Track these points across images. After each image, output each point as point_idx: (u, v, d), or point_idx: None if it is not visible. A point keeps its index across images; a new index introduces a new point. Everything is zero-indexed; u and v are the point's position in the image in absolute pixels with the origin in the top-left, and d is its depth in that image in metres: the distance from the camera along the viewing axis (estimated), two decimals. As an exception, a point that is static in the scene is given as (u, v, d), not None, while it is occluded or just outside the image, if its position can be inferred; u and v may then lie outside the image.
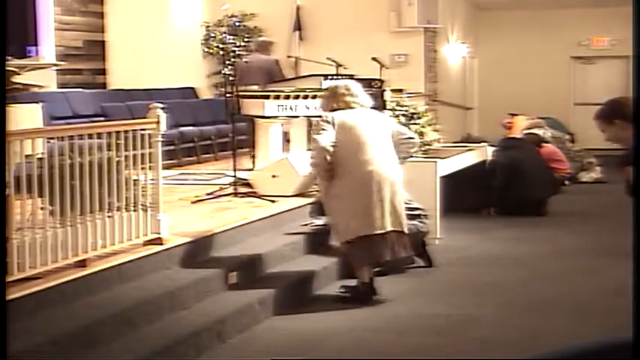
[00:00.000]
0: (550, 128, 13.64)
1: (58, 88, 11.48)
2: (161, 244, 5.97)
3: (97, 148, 5.45)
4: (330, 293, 6.64)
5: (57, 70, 11.20)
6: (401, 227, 6.44)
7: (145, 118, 5.99)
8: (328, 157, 6.29)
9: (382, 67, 10.94)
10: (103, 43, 12.60)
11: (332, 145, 6.29)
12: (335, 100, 6.54)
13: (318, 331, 5.71)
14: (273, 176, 8.55)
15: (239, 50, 14.67)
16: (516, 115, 13.30)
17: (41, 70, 8.65)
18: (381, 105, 10.56)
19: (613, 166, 4.32)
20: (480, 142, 11.01)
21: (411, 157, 6.86)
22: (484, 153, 10.75)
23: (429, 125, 9.25)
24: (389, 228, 6.33)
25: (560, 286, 6.96)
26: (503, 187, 10.33)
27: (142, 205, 5.84)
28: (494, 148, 10.97)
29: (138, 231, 5.81)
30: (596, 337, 2.06)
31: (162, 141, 6.05)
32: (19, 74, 6.19)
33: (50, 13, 11.59)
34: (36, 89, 7.31)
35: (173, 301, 5.47)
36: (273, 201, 8.09)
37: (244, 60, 11.42)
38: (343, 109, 6.47)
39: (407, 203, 7.43)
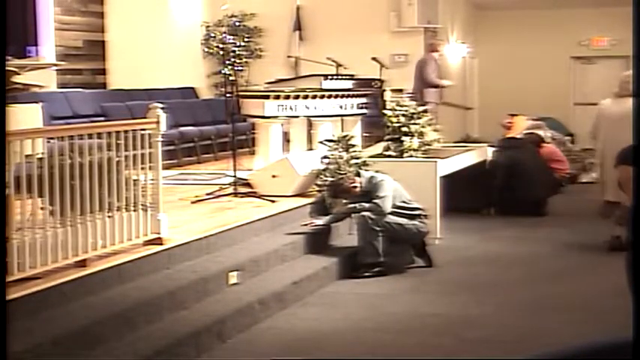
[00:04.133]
0: (550, 128, 13.62)
1: (58, 88, 11.48)
2: (161, 244, 5.97)
3: (97, 148, 5.45)
4: (330, 293, 6.65)
5: (57, 70, 11.21)
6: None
7: (145, 118, 5.99)
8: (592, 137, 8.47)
9: (382, 67, 10.96)
10: (103, 43, 12.61)
11: (594, 130, 8.27)
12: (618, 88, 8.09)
13: (318, 331, 5.71)
14: (273, 176, 8.55)
15: (239, 50, 14.69)
16: (516, 115, 13.27)
17: (41, 70, 8.66)
18: (381, 105, 10.60)
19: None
20: (478, 143, 10.99)
21: None
22: (484, 153, 10.74)
23: (429, 125, 9.23)
24: (612, 199, 7.84)
25: (559, 286, 6.96)
26: (503, 187, 10.32)
27: (141, 205, 5.84)
28: (494, 148, 10.96)
29: (138, 231, 5.81)
30: (596, 336, 2.06)
31: (163, 141, 6.06)
32: (19, 74, 6.19)
33: (50, 13, 11.59)
34: (36, 89, 7.33)
35: (173, 301, 5.47)
36: (273, 201, 8.09)
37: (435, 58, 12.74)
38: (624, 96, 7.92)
39: (407, 203, 7.46)
